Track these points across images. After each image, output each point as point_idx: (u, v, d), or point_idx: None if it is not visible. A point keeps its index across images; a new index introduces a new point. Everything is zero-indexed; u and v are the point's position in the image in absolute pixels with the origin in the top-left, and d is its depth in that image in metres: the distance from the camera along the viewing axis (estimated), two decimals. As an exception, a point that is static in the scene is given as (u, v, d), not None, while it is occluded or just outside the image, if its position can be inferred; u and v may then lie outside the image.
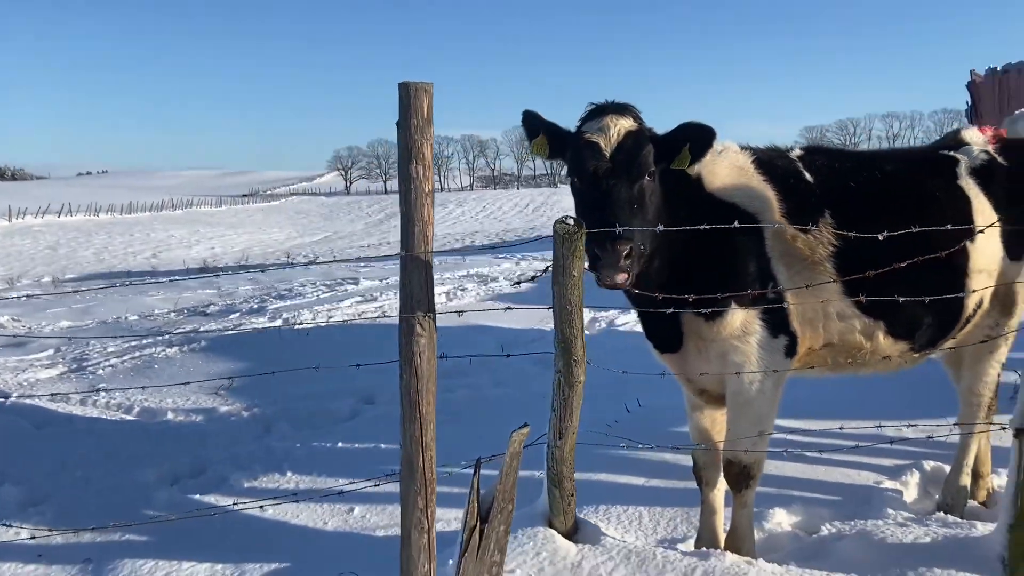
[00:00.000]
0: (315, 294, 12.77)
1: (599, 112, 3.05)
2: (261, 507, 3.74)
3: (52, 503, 4.36)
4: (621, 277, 2.83)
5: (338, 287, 13.64)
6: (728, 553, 3.18)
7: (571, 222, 2.79)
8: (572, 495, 3.16)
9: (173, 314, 11.36)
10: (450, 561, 2.86)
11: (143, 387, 4.55)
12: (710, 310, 3.11)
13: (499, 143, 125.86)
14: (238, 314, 11.08)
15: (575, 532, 3.24)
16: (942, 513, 3.89)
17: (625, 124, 2.98)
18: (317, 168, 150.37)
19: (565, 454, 3.03)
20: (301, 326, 9.01)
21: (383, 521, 4.02)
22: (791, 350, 3.29)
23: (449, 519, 3.70)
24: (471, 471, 2.80)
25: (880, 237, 2.89)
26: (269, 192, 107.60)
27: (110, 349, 8.72)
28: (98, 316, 11.64)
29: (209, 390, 6.55)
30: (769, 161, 3.40)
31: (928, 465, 4.41)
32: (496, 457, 2.88)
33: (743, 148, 3.44)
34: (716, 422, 3.58)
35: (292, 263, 22.61)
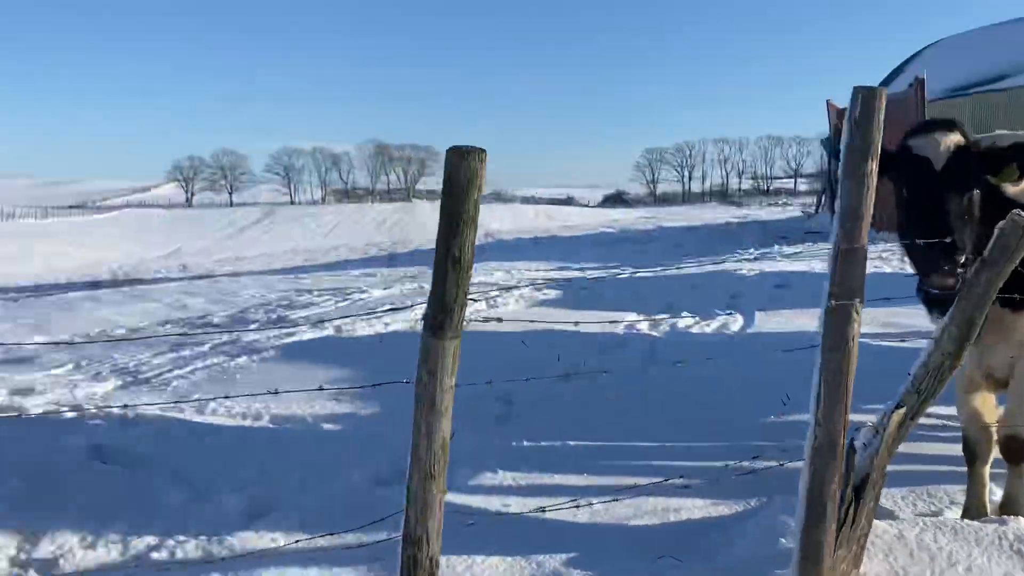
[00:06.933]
0: (332, 303, 12.33)
1: (927, 128, 3.37)
2: (542, 509, 3.63)
3: (284, 510, 3.96)
4: (951, 281, 3.07)
5: (349, 295, 13.18)
6: (1020, 518, 3.46)
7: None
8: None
9: (170, 325, 10.40)
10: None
11: (275, 391, 4.16)
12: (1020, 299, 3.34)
13: (352, 156, 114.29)
14: (258, 323, 10.12)
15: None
16: None
17: (954, 139, 3.29)
18: (152, 178, 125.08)
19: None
20: (361, 332, 8.81)
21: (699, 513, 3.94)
22: None
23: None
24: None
25: None
26: (101, 203, 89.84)
27: (156, 361, 8.18)
28: (59, 328, 10.05)
29: (328, 396, 6.24)
30: None
31: None
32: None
33: None
34: (987, 402, 3.81)
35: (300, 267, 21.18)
